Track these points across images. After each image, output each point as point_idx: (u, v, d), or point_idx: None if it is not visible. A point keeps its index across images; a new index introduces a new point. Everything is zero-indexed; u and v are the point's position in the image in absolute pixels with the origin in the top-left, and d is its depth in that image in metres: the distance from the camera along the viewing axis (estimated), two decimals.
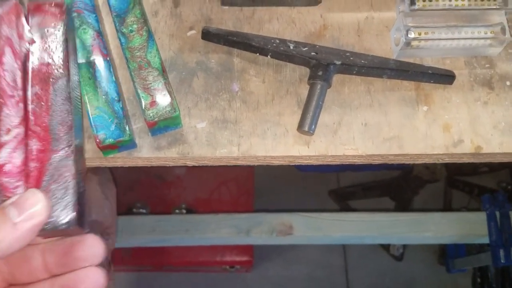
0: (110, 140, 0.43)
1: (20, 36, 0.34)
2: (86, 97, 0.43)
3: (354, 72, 0.45)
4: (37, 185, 0.31)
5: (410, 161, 0.45)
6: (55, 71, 0.34)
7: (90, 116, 0.43)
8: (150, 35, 0.46)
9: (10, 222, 0.27)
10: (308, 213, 1.00)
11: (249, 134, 0.46)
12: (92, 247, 0.31)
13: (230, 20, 0.50)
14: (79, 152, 0.32)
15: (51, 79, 0.33)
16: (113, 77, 0.45)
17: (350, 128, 0.45)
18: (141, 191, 1.25)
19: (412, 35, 0.45)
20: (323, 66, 0.45)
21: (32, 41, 0.34)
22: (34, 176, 0.31)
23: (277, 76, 0.48)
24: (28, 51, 0.34)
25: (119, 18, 0.47)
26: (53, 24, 0.35)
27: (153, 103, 0.44)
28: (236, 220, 1.01)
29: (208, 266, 1.24)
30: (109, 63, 0.45)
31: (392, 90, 0.46)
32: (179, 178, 1.27)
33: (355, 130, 0.45)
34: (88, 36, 0.46)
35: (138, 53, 0.46)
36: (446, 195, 1.36)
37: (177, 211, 1.23)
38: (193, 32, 0.50)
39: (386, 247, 1.32)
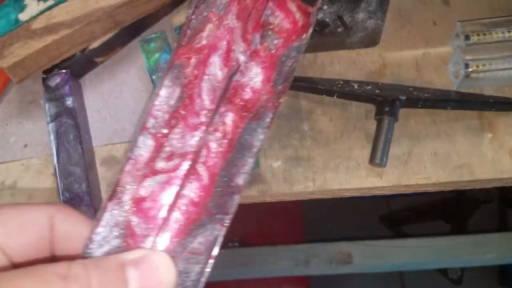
0: None
1: (245, 37, 0.24)
2: None
3: (419, 105, 0.49)
4: (171, 247, 0.23)
5: (480, 186, 0.48)
6: (261, 106, 0.24)
7: None
8: None
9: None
10: (366, 241, 1.01)
11: (323, 169, 0.50)
12: None
13: None
14: (227, 229, 0.24)
15: (251, 113, 0.24)
16: None
17: (421, 158, 0.48)
18: None
19: (470, 68, 0.48)
20: (389, 102, 0.48)
21: (254, 53, 0.24)
22: (172, 232, 0.23)
23: (344, 114, 0.52)
24: (240, 65, 0.24)
25: None
26: (294, 37, 0.25)
27: None
28: (293, 251, 1.03)
29: None
30: None
31: (456, 120, 0.49)
32: None
33: (425, 160, 0.48)
34: None
35: None
36: (501, 215, 1.33)
37: (230, 244, 1.27)
38: None
39: (443, 271, 1.29)
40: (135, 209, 0.23)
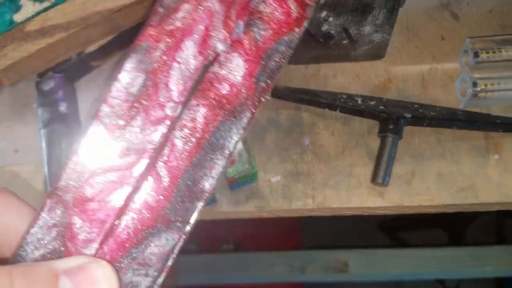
0: None
1: (226, 23, 0.21)
2: None
3: (425, 124, 0.47)
4: (115, 255, 0.20)
5: (485, 209, 0.46)
6: (239, 103, 0.21)
7: None
8: None
9: None
10: (363, 250, 0.99)
11: (322, 185, 0.48)
12: None
13: (296, 77, 0.53)
14: (185, 239, 0.21)
15: (227, 111, 0.21)
16: None
17: (424, 178, 0.46)
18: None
19: (478, 87, 0.46)
20: (393, 119, 0.46)
21: (236, 42, 0.21)
22: (120, 239, 0.20)
23: (346, 129, 0.50)
24: (218, 54, 0.21)
25: None
26: (285, 30, 0.22)
27: (233, 161, 0.47)
28: (289, 257, 1.02)
29: None
30: None
31: (461, 139, 0.48)
32: None
33: (429, 180, 0.46)
34: None
35: None
36: (499, 225, 1.32)
37: (224, 246, 1.25)
38: None
39: (441, 282, 1.28)
40: (78, 210, 0.20)
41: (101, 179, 0.20)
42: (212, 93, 0.21)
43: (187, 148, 0.21)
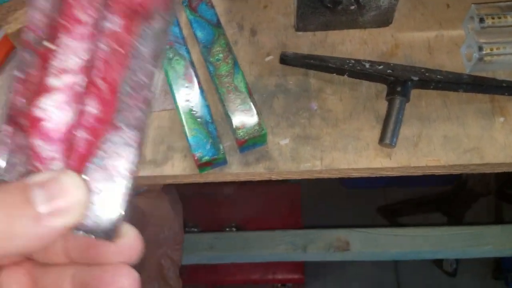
0: (207, 158, 0.46)
1: None
2: (184, 120, 0.47)
3: (431, 87, 0.48)
4: (79, 167, 0.22)
5: (490, 170, 0.47)
6: (154, 6, 0.22)
7: (188, 137, 0.47)
8: (235, 62, 0.51)
9: (32, 210, 0.19)
10: (364, 229, 1.01)
11: (331, 148, 0.49)
12: (128, 238, 0.23)
13: (304, 44, 0.54)
14: (141, 140, 0.22)
15: (142, 17, 0.22)
16: (206, 102, 0.49)
17: (431, 140, 0.47)
18: (192, 210, 1.30)
19: (484, 51, 0.47)
20: (401, 82, 0.47)
21: None
22: (80, 152, 0.22)
23: (354, 94, 0.51)
24: None
25: (206, 48, 0.52)
26: None
27: (243, 123, 0.48)
28: (291, 236, 1.03)
29: (259, 284, 1.26)
30: (202, 89, 0.49)
31: (467, 103, 0.49)
32: (228, 197, 1.31)
33: (435, 142, 0.47)
34: (181, 66, 0.50)
35: (225, 79, 0.50)
36: (498, 208, 1.33)
37: (227, 229, 1.27)
38: (270, 57, 0.54)
39: (438, 263, 1.30)
40: (34, 130, 0.21)
41: (48, 100, 0.21)
42: (122, 1, 0.22)
43: (117, 59, 0.22)
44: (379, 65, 0.50)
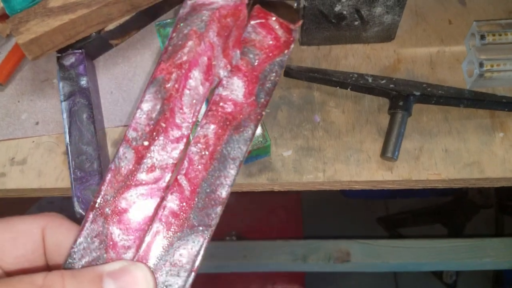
0: None
1: (225, 53, 0.25)
2: None
3: (433, 102, 0.49)
4: (149, 259, 0.23)
5: (490, 184, 0.48)
6: (244, 119, 0.24)
7: None
8: None
9: None
10: (365, 240, 1.01)
11: (333, 160, 0.50)
12: None
13: (308, 58, 0.55)
14: (210, 239, 0.24)
15: (233, 125, 0.24)
16: None
17: (432, 154, 0.48)
18: None
19: (485, 67, 0.48)
20: (403, 96, 0.48)
21: (235, 68, 0.25)
22: (154, 245, 0.23)
23: (356, 107, 0.52)
24: (221, 79, 0.25)
25: None
26: (276, 53, 0.25)
27: None
28: (292, 246, 1.04)
29: None
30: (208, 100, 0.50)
31: (468, 118, 0.50)
32: (229, 206, 1.30)
33: (436, 156, 0.48)
34: None
35: None
36: (498, 221, 1.34)
37: (227, 238, 1.27)
38: None
39: (439, 275, 1.30)
40: (115, 220, 0.23)
41: (133, 193, 0.23)
42: (219, 112, 0.24)
43: (203, 161, 0.24)
44: (382, 80, 0.51)
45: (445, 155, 0.48)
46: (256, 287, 1.22)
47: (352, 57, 0.55)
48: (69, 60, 0.53)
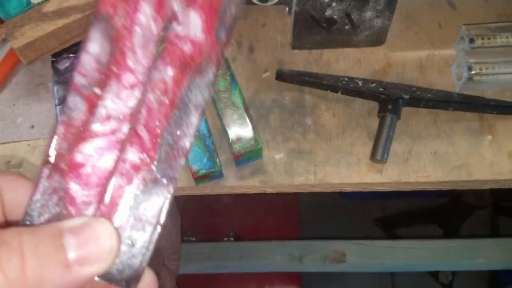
0: (203, 171, 0.48)
1: None
2: None
3: (422, 105, 0.50)
4: (111, 213, 0.22)
5: (478, 186, 0.49)
6: (204, 59, 0.22)
7: None
8: (233, 79, 0.52)
9: (63, 258, 0.20)
10: (360, 241, 1.02)
11: (324, 163, 0.50)
12: (146, 283, 0.23)
13: (300, 62, 0.56)
14: (174, 191, 0.23)
15: (192, 69, 0.22)
16: (204, 116, 0.50)
17: (420, 157, 0.49)
18: (190, 219, 1.31)
19: (473, 71, 0.49)
20: (392, 100, 0.49)
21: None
22: (113, 199, 0.22)
23: (347, 110, 0.53)
24: (175, 13, 0.22)
25: None
26: None
27: (239, 137, 0.49)
28: (288, 247, 1.04)
29: None
30: None
31: (456, 121, 0.50)
32: (226, 207, 1.32)
33: (425, 159, 0.49)
34: None
35: (223, 95, 0.52)
36: (493, 222, 1.34)
37: (225, 239, 1.28)
38: (267, 74, 0.56)
39: (435, 275, 1.31)
40: (72, 175, 0.22)
41: (90, 146, 0.22)
42: (176, 52, 0.22)
43: (162, 109, 0.22)
44: (372, 83, 0.51)
45: (433, 158, 0.49)
46: (253, 287, 1.22)
47: (343, 61, 0.55)
48: (64, 64, 0.53)
